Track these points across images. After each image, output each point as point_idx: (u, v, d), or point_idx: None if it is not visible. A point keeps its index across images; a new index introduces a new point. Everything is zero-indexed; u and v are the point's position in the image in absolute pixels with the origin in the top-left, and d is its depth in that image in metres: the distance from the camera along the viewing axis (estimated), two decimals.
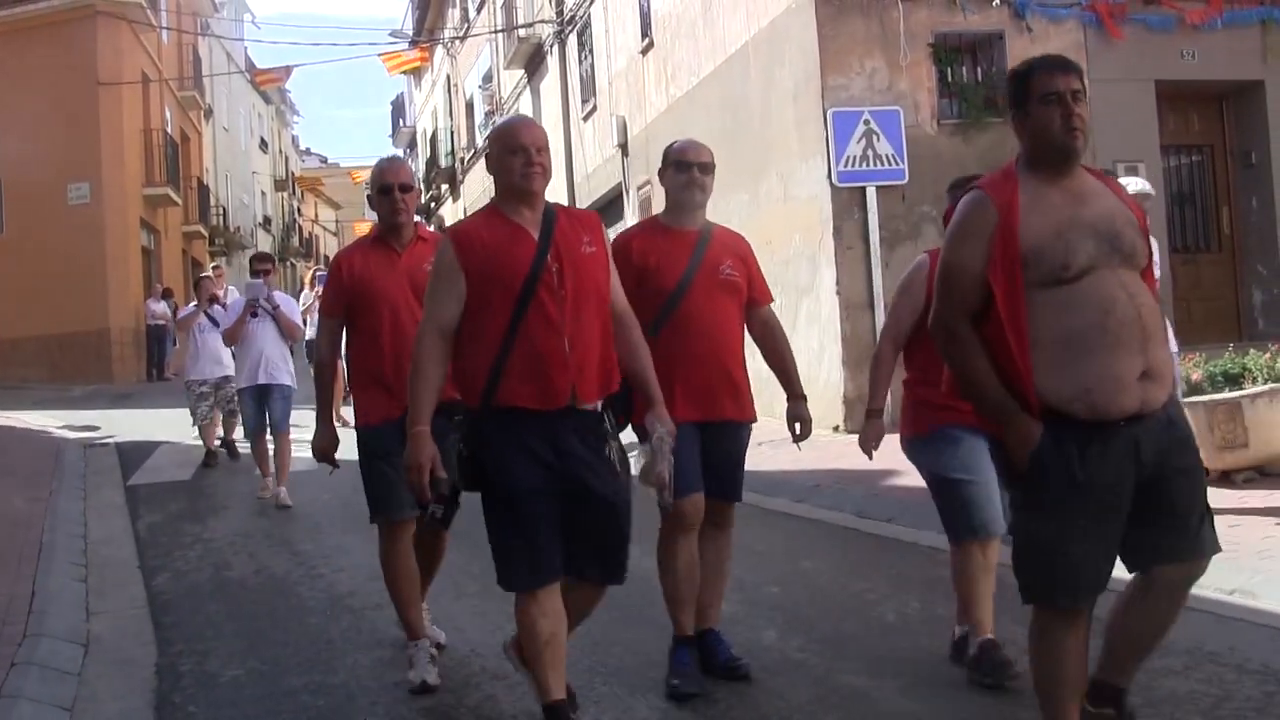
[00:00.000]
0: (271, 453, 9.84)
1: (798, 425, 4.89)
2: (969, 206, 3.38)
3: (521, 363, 3.81)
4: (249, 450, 10.46)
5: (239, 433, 11.34)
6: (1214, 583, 4.86)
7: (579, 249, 3.95)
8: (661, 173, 4.91)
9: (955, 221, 3.43)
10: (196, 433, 11.91)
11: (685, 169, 4.79)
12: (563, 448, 3.84)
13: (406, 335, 4.70)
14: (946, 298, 3.40)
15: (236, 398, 10.44)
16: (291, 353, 10.46)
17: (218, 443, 11.90)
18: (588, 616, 4.24)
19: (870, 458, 4.91)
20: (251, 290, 9.78)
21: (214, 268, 17.61)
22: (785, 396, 4.94)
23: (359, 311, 5.06)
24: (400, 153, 55.15)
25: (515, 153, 3.91)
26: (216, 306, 11.27)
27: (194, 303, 12.00)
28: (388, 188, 5.08)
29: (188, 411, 11.76)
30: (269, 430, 9.83)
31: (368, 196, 5.16)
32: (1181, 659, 4.52)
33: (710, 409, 4.65)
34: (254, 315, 9.64)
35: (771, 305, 5.03)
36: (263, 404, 9.75)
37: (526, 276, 3.83)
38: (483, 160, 32.20)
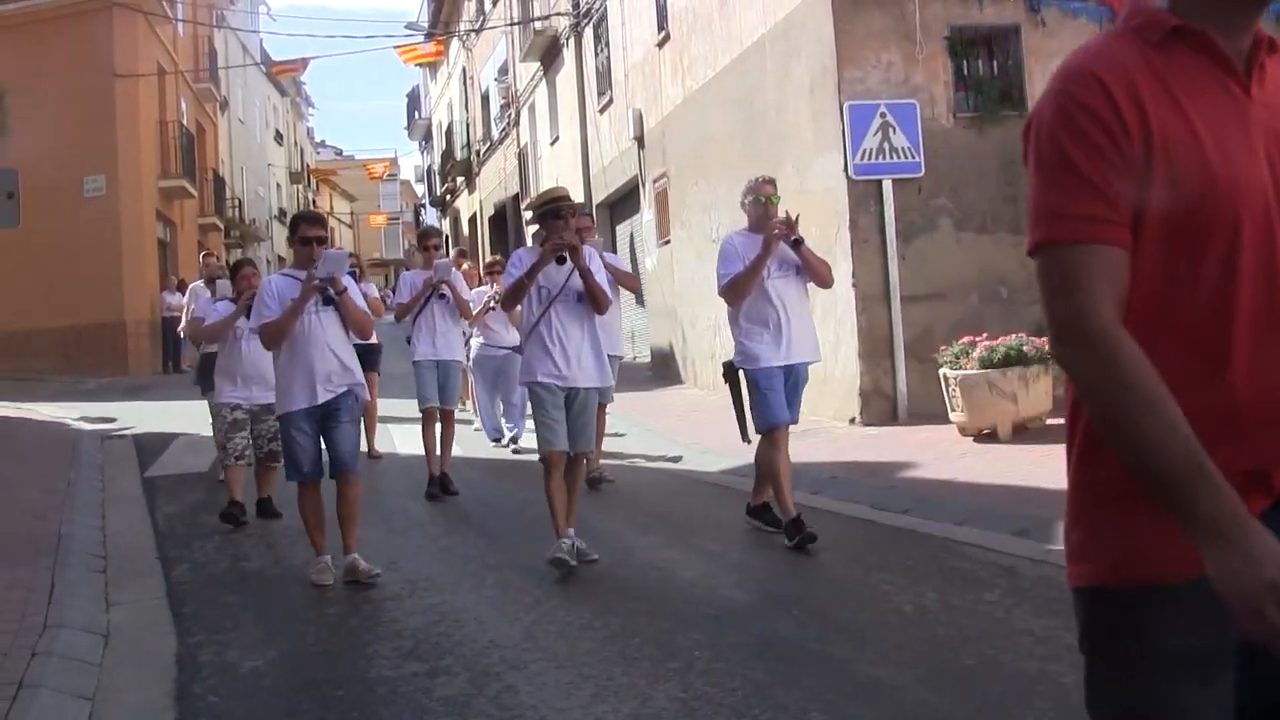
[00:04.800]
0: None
1: None
2: None
3: None
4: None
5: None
6: None
7: None
8: None
9: None
10: (221, 473, 9.27)
11: None
12: None
13: None
14: None
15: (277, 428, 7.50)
16: None
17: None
18: None
19: None
20: (329, 264, 6.79)
21: (205, 255, 16.57)
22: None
23: (1165, 233, 1.76)
24: (416, 145, 55.21)
25: None
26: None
27: (225, 297, 8.99)
28: None
29: (214, 442, 9.56)
30: (328, 473, 6.92)
31: None
32: None
33: None
34: (327, 302, 6.79)
35: None
36: (319, 433, 6.84)
37: None
38: (499, 152, 32.16)
